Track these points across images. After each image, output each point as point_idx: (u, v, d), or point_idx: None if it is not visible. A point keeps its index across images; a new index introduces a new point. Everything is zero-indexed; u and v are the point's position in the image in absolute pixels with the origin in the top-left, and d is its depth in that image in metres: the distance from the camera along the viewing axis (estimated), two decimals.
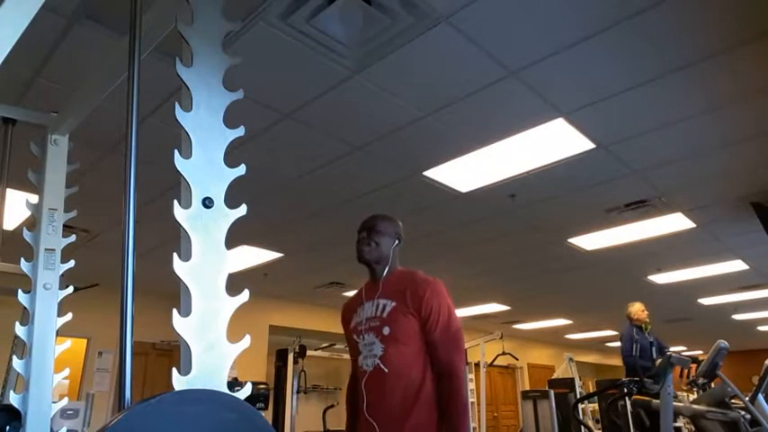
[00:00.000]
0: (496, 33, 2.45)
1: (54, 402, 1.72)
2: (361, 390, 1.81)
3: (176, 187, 1.13)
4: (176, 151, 1.11)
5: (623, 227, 5.05)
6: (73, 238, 1.90)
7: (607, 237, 5.34)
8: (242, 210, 1.14)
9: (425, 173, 3.87)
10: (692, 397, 4.97)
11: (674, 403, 3.28)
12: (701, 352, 11.98)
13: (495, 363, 8.64)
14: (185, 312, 1.03)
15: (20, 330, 1.73)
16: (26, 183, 1.92)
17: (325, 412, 7.52)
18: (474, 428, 7.74)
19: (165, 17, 1.36)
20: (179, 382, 0.97)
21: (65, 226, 1.87)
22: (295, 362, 7.17)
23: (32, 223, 1.87)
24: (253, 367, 7.23)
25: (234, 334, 1.05)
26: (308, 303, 8.27)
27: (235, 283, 1.09)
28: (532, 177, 3.94)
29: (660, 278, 6.94)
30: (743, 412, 3.21)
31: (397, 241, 1.97)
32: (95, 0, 2.20)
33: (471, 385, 7.74)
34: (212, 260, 1.07)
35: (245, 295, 1.09)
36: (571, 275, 6.83)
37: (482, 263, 6.25)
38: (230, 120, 1.18)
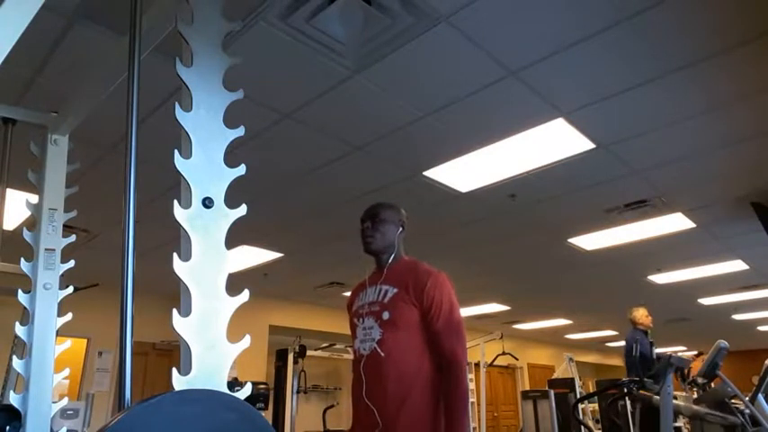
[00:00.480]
0: (496, 33, 2.45)
1: (54, 402, 1.72)
2: (359, 373, 1.82)
3: (176, 187, 1.13)
4: (176, 151, 1.11)
5: (623, 227, 5.05)
6: (73, 238, 1.90)
7: (607, 237, 5.34)
8: (242, 210, 1.14)
9: (425, 173, 3.87)
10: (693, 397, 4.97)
11: (675, 402, 3.28)
12: (695, 352, 11.97)
13: (495, 363, 8.64)
14: (185, 312, 1.03)
15: (20, 330, 1.73)
16: (26, 183, 1.92)
17: (325, 412, 7.52)
18: (474, 428, 7.74)
19: (165, 17, 1.36)
20: (179, 382, 0.97)
21: (65, 226, 1.87)
22: (295, 362, 7.18)
23: (32, 223, 1.87)
24: (253, 367, 7.24)
25: (234, 334, 1.05)
26: (308, 303, 8.28)
27: (235, 283, 1.09)
28: (532, 177, 3.94)
29: (660, 278, 6.94)
30: (742, 419, 3.21)
31: (401, 228, 1.99)
32: (95, 0, 2.20)
33: (471, 385, 7.74)
34: (212, 260, 1.07)
35: (245, 295, 1.09)
36: (571, 275, 6.83)
37: (482, 263, 6.25)
38: (230, 120, 1.18)
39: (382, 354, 1.77)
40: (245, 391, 1.03)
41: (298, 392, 7.10)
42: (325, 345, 8.00)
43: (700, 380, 3.60)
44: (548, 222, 4.97)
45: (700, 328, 10.40)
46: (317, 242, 5.40)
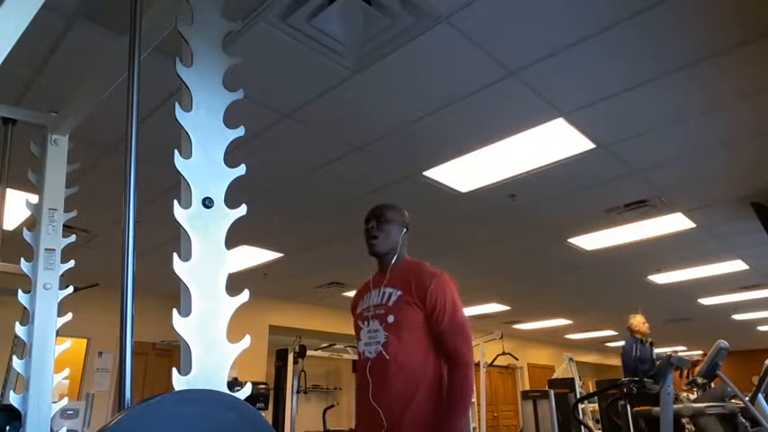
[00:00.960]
0: (496, 33, 2.45)
1: (54, 402, 1.72)
2: (365, 375, 1.82)
3: (176, 187, 1.13)
4: (176, 151, 1.11)
5: (623, 227, 5.05)
6: (73, 238, 1.90)
7: (607, 237, 5.34)
8: (242, 210, 1.14)
9: (425, 173, 3.87)
10: (692, 396, 4.98)
11: (674, 405, 3.28)
12: (700, 352, 11.98)
13: (495, 363, 8.64)
14: (185, 312, 1.03)
15: (20, 330, 1.73)
16: (26, 183, 1.92)
17: (325, 412, 7.52)
18: (474, 428, 7.74)
19: (165, 17, 1.36)
20: (179, 382, 0.97)
21: (65, 226, 1.87)
22: (295, 362, 7.18)
23: (32, 223, 1.87)
24: (253, 367, 7.23)
25: (234, 334, 1.05)
26: (308, 303, 8.28)
27: (235, 283, 1.09)
28: (532, 177, 3.94)
29: (660, 278, 6.94)
30: (739, 404, 3.21)
31: (404, 230, 1.99)
32: (95, 0, 2.20)
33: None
34: (212, 260, 1.07)
35: (245, 295, 1.09)
36: (571, 275, 6.83)
37: (482, 263, 6.25)
38: (230, 120, 1.18)
39: (387, 357, 1.78)
40: (245, 391, 1.03)
41: (298, 392, 7.10)
42: (325, 345, 8.00)
43: (700, 380, 3.60)
44: (548, 222, 4.96)
45: (700, 328, 10.40)
46: (317, 242, 5.40)
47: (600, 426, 6.80)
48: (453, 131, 3.30)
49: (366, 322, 1.89)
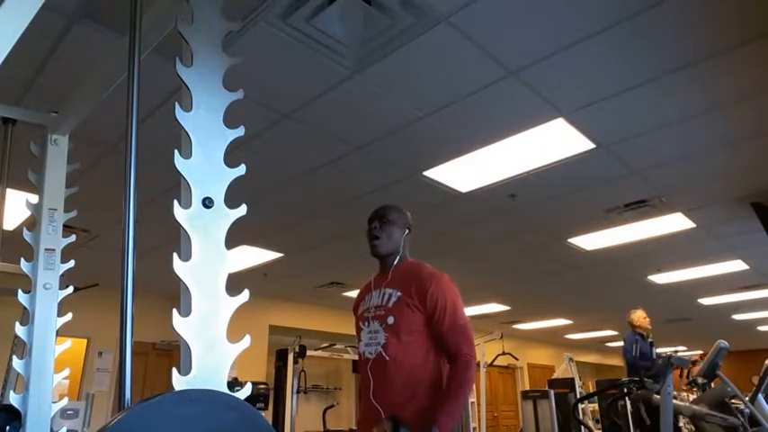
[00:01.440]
0: (496, 33, 2.45)
1: (54, 402, 1.72)
2: (368, 375, 1.83)
3: (176, 187, 1.13)
4: (176, 151, 1.11)
5: (623, 227, 5.05)
6: (73, 238, 1.90)
7: (607, 237, 5.34)
8: (242, 210, 1.14)
9: (425, 173, 3.87)
10: (692, 397, 4.98)
11: (675, 402, 3.28)
12: (700, 352, 11.98)
13: (495, 363, 8.63)
14: (185, 312, 1.03)
15: (20, 330, 1.73)
16: (26, 183, 1.92)
17: (325, 412, 7.52)
18: (474, 428, 7.74)
19: (165, 17, 1.36)
20: (179, 382, 0.97)
21: (65, 226, 1.87)
22: (295, 362, 7.18)
23: (32, 223, 1.87)
24: (253, 367, 7.23)
25: (234, 334, 1.05)
26: (308, 303, 8.27)
27: (235, 283, 1.09)
28: (532, 177, 3.94)
29: (660, 278, 6.94)
30: (742, 419, 3.21)
31: (407, 231, 1.99)
32: (95, 0, 2.20)
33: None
34: (212, 260, 1.07)
35: (245, 295, 1.09)
36: (571, 275, 6.83)
37: (482, 263, 6.25)
38: (230, 120, 1.18)
39: (387, 357, 1.79)
40: (245, 391, 1.03)
41: (298, 392, 7.10)
42: (325, 345, 8.00)
43: (700, 380, 3.60)
44: (548, 222, 4.97)
45: (700, 328, 10.40)
46: (317, 242, 5.40)
47: (600, 426, 6.80)
48: (453, 131, 3.30)
49: (367, 323, 1.90)
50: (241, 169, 1.16)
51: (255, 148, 3.40)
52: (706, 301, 8.31)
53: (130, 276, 1.05)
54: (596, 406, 7.69)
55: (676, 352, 3.52)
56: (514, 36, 2.47)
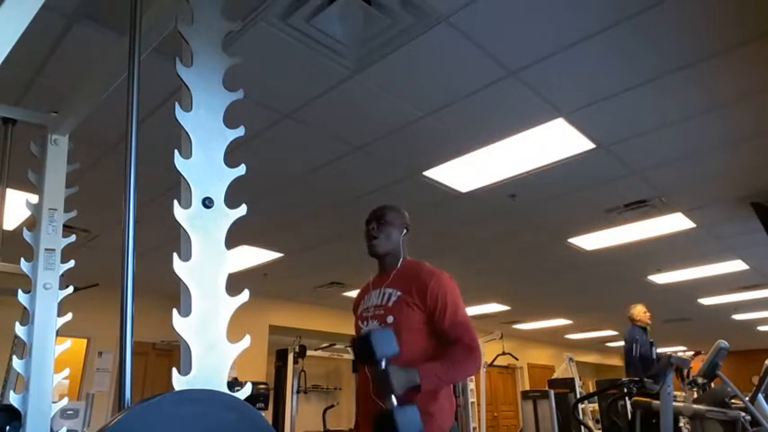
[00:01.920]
0: (496, 33, 2.45)
1: (54, 402, 1.72)
2: (366, 375, 1.83)
3: (176, 187, 1.13)
4: (176, 151, 1.11)
5: (623, 227, 5.05)
6: (73, 238, 1.90)
7: (607, 237, 5.34)
8: (242, 210, 1.14)
9: (425, 173, 3.87)
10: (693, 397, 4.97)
11: (674, 403, 3.28)
12: (691, 352, 11.94)
13: (495, 363, 8.64)
14: (185, 312, 1.03)
15: (20, 330, 1.73)
16: (26, 183, 1.92)
17: (325, 412, 7.52)
18: (474, 428, 7.74)
19: (165, 17, 1.36)
20: (179, 382, 0.97)
21: (65, 226, 1.87)
22: (295, 362, 7.18)
23: (32, 223, 1.87)
24: (253, 367, 7.23)
25: (234, 334, 1.05)
26: (308, 303, 8.28)
27: (235, 283, 1.09)
28: (532, 177, 3.94)
29: (660, 278, 6.94)
30: (743, 414, 3.20)
31: (405, 231, 1.99)
32: (95, 0, 2.20)
33: (471, 385, 7.73)
34: (212, 260, 1.07)
35: (245, 295, 1.09)
36: (571, 275, 6.83)
37: (482, 263, 6.25)
38: (230, 120, 1.18)
39: None
40: (245, 391, 1.03)
41: (298, 392, 7.10)
42: (325, 345, 8.00)
43: (700, 380, 3.60)
44: (548, 222, 4.96)
45: (700, 328, 10.40)
46: (317, 242, 5.40)
47: (600, 426, 6.80)
48: (453, 131, 3.30)
49: (366, 322, 1.90)
50: (241, 169, 1.16)
51: (255, 148, 3.40)
52: (706, 301, 8.31)
53: (130, 276, 1.05)
54: (596, 406, 7.69)
55: (676, 352, 3.51)
56: (514, 36, 2.47)
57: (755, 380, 3.71)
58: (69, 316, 1.82)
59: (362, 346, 1.47)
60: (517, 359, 9.14)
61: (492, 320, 9.48)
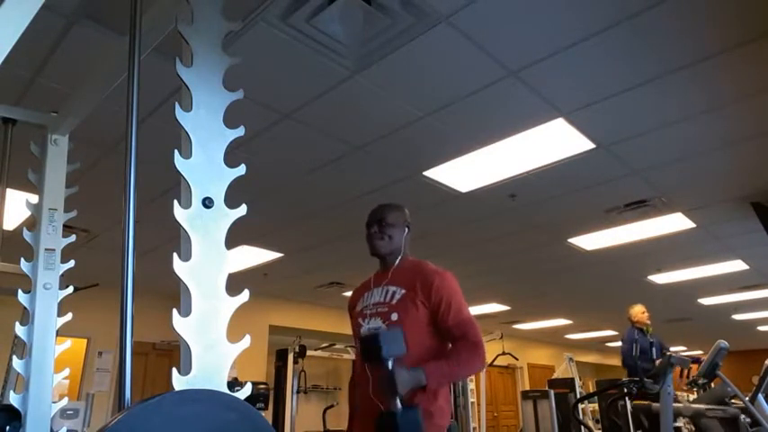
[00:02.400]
0: (496, 33, 2.45)
1: (54, 402, 1.72)
2: (366, 373, 1.82)
3: (176, 187, 1.13)
4: (176, 151, 1.11)
5: (623, 227, 5.05)
6: (73, 238, 1.90)
7: (607, 237, 5.34)
8: (242, 210, 1.14)
9: (425, 173, 3.87)
10: (692, 397, 4.98)
11: (674, 404, 3.28)
12: (700, 352, 11.97)
13: (495, 363, 8.64)
14: (185, 312, 1.03)
15: (20, 330, 1.73)
16: (26, 183, 1.92)
17: (325, 412, 7.52)
18: (474, 428, 7.74)
19: (165, 17, 1.36)
20: (179, 382, 0.97)
21: (65, 226, 1.87)
22: (295, 362, 7.18)
23: (32, 223, 1.87)
24: (253, 367, 7.23)
25: (234, 334, 1.05)
26: (308, 303, 8.27)
27: (235, 283, 1.09)
28: (532, 177, 3.94)
29: (660, 278, 6.94)
30: (743, 416, 3.20)
31: (406, 229, 1.99)
32: (95, 0, 2.20)
33: (471, 385, 7.74)
34: (212, 260, 1.07)
35: (245, 295, 1.09)
36: (571, 275, 6.83)
37: (482, 263, 6.25)
38: (230, 120, 1.18)
39: None
40: (245, 391, 1.03)
41: (298, 392, 7.10)
42: (325, 345, 8.00)
43: (700, 380, 3.60)
44: (548, 222, 4.96)
45: (700, 328, 10.40)
46: (317, 242, 5.40)
47: (600, 426, 6.80)
48: (453, 131, 3.30)
49: (367, 320, 1.88)
50: (241, 169, 1.16)
51: (255, 148, 3.40)
52: (706, 301, 8.31)
53: (130, 276, 1.05)
54: (596, 406, 7.69)
55: (676, 352, 3.51)
56: (514, 36, 2.47)
57: (755, 380, 3.71)
58: (69, 316, 1.82)
59: (370, 346, 1.46)
60: (517, 359, 9.14)
61: (492, 320, 9.48)
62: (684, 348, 12.66)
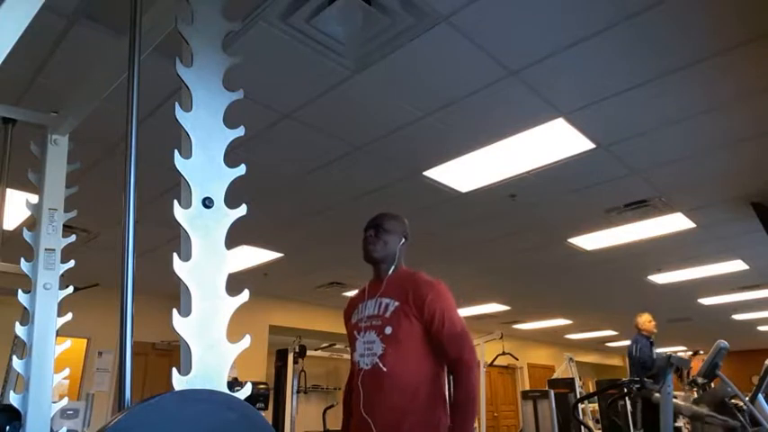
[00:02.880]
0: (496, 33, 2.45)
1: (54, 402, 1.72)
2: (357, 387, 1.81)
3: (176, 187, 1.13)
4: (176, 151, 1.11)
5: (623, 227, 5.05)
6: (73, 238, 1.90)
7: (607, 237, 5.34)
8: (242, 210, 1.14)
9: (425, 173, 3.87)
10: (693, 397, 4.98)
11: (675, 401, 3.28)
12: (692, 352, 11.94)
13: (495, 363, 8.63)
14: (185, 312, 1.03)
15: (20, 330, 1.73)
16: (26, 183, 1.92)
17: (325, 412, 7.52)
18: (474, 428, 7.76)
19: (165, 17, 1.36)
20: (179, 382, 0.97)
21: (65, 226, 1.87)
22: (295, 362, 7.17)
23: (32, 223, 1.87)
24: (253, 367, 7.23)
25: (234, 334, 1.05)
26: (308, 303, 8.27)
27: (235, 283, 1.09)
28: (532, 177, 3.94)
29: (660, 278, 6.94)
30: (742, 420, 3.20)
31: (403, 240, 1.98)
32: (95, 0, 2.20)
33: None
34: (212, 260, 1.07)
35: (245, 295, 1.09)
36: (571, 275, 6.83)
37: (482, 263, 6.25)
38: (230, 120, 1.18)
39: (385, 369, 1.76)
40: (245, 391, 1.03)
41: (298, 392, 7.10)
42: (325, 345, 8.00)
43: (700, 380, 3.60)
44: (548, 222, 4.96)
45: (700, 328, 10.40)
46: (317, 242, 5.40)
47: (600, 426, 6.81)
48: (453, 131, 3.30)
49: (362, 333, 1.87)
50: (241, 169, 1.16)
51: (255, 148, 3.40)
52: (706, 301, 8.31)
53: (130, 276, 1.05)
54: (596, 406, 7.70)
55: (676, 352, 3.51)
56: (514, 36, 2.47)
57: (755, 380, 3.71)
58: (69, 316, 1.82)
59: None
60: (517, 359, 9.13)
61: (492, 320, 9.47)
62: (684, 348, 12.65)
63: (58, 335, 1.77)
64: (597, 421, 7.44)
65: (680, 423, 5.37)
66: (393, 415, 1.71)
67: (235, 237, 1.10)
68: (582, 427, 6.07)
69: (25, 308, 1.78)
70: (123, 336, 1.01)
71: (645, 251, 5.76)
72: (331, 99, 2.93)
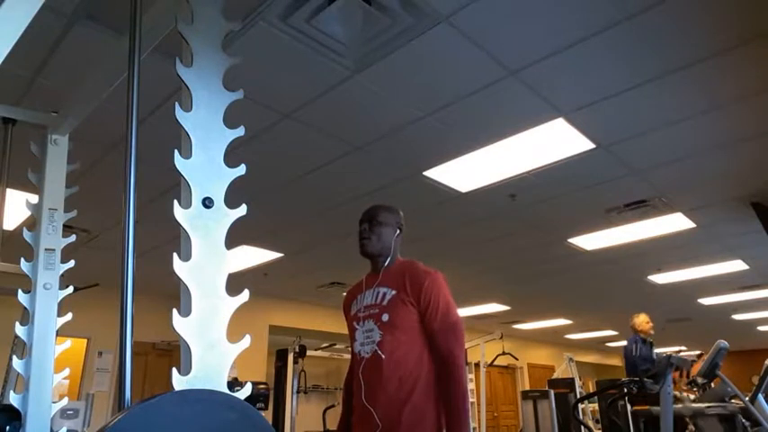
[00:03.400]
0: (496, 33, 2.45)
1: (54, 402, 1.72)
2: (358, 376, 1.82)
3: (176, 187, 1.13)
4: (176, 151, 1.11)
5: (623, 227, 5.05)
6: (73, 238, 1.90)
7: (607, 237, 5.34)
8: (242, 210, 1.14)
9: (425, 173, 3.87)
10: (693, 397, 4.98)
11: (675, 405, 3.28)
12: (699, 352, 11.95)
13: (495, 363, 8.64)
14: (185, 312, 1.03)
15: (20, 330, 1.73)
16: (26, 183, 1.92)
17: (325, 412, 7.52)
18: (474, 428, 7.75)
19: (165, 17, 1.36)
20: (179, 382, 0.97)
21: (65, 226, 1.87)
22: (295, 362, 7.17)
23: (32, 223, 1.87)
24: (253, 367, 7.23)
25: (234, 334, 1.05)
26: (308, 303, 8.27)
27: (235, 283, 1.09)
28: (532, 177, 3.94)
29: (660, 278, 6.94)
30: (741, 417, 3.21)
31: (398, 231, 1.99)
32: (95, 0, 2.20)
33: (471, 385, 7.73)
34: (212, 260, 1.07)
35: (245, 295, 1.09)
36: (571, 275, 6.83)
37: (482, 263, 6.25)
38: (230, 120, 1.18)
39: (383, 356, 1.77)
40: (245, 391, 1.03)
41: (298, 392, 7.10)
42: (325, 345, 8.00)
43: (700, 380, 3.60)
44: (548, 222, 4.96)
45: (700, 328, 10.41)
46: (317, 242, 5.40)
47: (600, 426, 6.80)
48: (453, 131, 3.30)
49: (361, 322, 1.89)
50: (241, 169, 1.16)
51: (255, 148, 3.40)
52: (706, 301, 8.31)
53: (130, 276, 1.05)
54: (596, 406, 7.69)
55: (676, 352, 3.51)
56: (514, 36, 2.47)
57: (755, 380, 3.71)
58: (69, 316, 1.82)
59: None
60: (517, 359, 9.13)
61: (492, 320, 9.48)
62: (684, 348, 12.65)
63: (57, 335, 1.77)
64: (597, 421, 7.43)
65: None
66: (394, 402, 1.72)
67: (235, 237, 1.10)
68: (582, 427, 6.07)
69: (25, 308, 1.78)
70: (123, 336, 1.01)
71: (645, 251, 5.76)
72: (331, 99, 2.93)
